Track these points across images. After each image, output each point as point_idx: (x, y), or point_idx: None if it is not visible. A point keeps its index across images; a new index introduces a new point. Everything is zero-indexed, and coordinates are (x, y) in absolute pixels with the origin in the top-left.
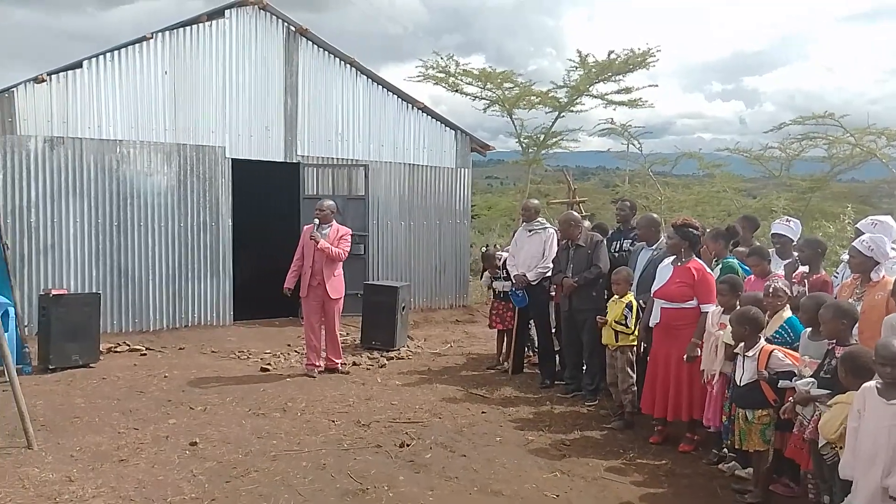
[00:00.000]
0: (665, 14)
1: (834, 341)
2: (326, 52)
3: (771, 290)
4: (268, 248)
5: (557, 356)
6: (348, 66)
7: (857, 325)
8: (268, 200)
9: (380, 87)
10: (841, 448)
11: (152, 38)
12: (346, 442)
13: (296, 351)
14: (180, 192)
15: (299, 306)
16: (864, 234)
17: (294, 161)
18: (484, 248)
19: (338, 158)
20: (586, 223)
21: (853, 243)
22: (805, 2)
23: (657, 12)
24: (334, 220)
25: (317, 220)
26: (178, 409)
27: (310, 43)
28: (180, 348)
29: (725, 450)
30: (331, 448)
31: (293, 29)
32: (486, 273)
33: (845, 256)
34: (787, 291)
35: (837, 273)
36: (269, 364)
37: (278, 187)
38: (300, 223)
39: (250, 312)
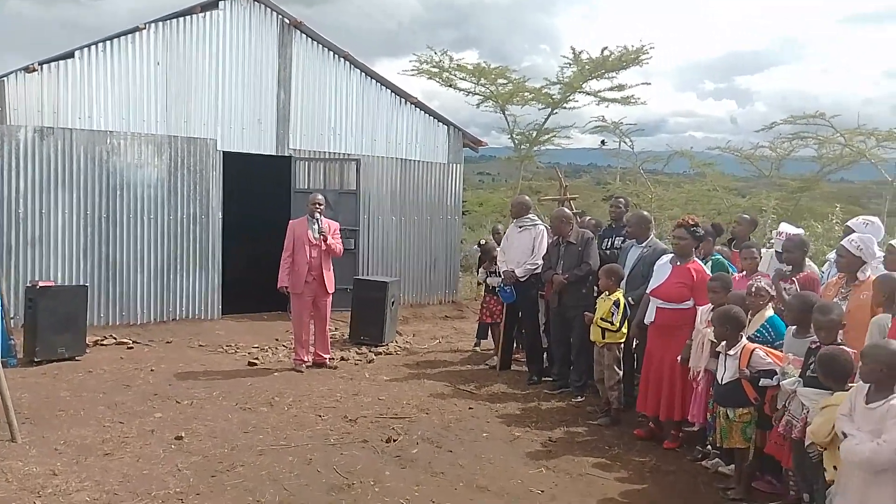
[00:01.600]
0: (660, 12)
1: (818, 340)
2: (320, 46)
3: (753, 289)
4: (257, 242)
5: (546, 353)
6: (342, 59)
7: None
8: (258, 194)
9: (374, 81)
10: (826, 450)
11: (145, 28)
12: (333, 437)
13: (284, 345)
14: (170, 184)
15: (288, 300)
16: (852, 233)
17: (286, 154)
18: (483, 241)
19: (330, 152)
20: (587, 219)
21: (842, 242)
22: (804, 3)
23: (652, 11)
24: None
25: (317, 215)
26: (164, 403)
27: (304, 36)
28: (168, 342)
29: (709, 447)
30: (317, 443)
31: (287, 22)
32: (482, 268)
33: (832, 256)
34: (770, 291)
35: (823, 272)
36: (256, 358)
37: (269, 180)
38: (291, 217)
39: (239, 306)
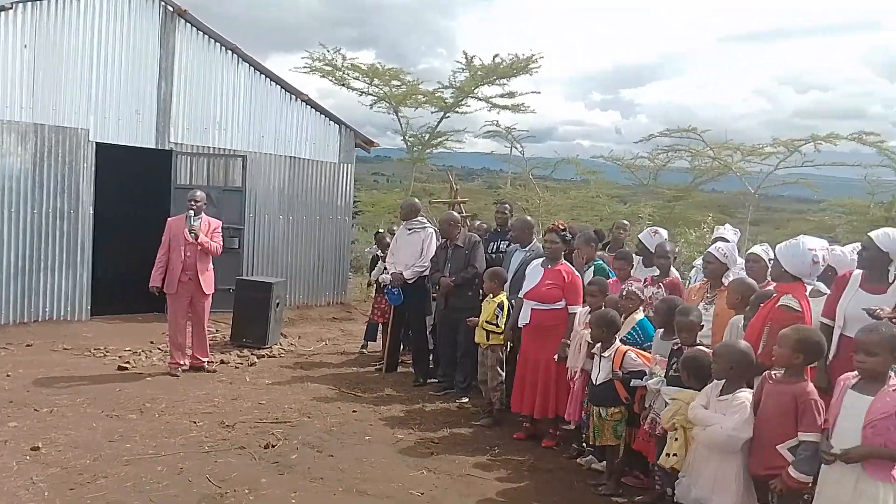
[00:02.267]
0: (554, 23)
1: (679, 342)
2: (206, 37)
3: (625, 292)
4: (134, 239)
5: (432, 354)
6: (230, 52)
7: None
8: (137, 189)
9: (263, 76)
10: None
11: (12, 8)
12: (208, 444)
13: (159, 348)
14: (35, 175)
15: (164, 301)
16: (719, 241)
17: (166, 148)
18: (380, 231)
19: (214, 148)
20: (479, 223)
21: (709, 249)
22: (687, 21)
23: (546, 21)
24: (203, 212)
25: (191, 213)
26: (20, 411)
27: (188, 25)
28: (28, 345)
29: (584, 444)
30: (190, 451)
31: (171, 9)
32: (380, 264)
33: (698, 262)
34: (640, 295)
35: (690, 277)
36: (128, 362)
37: (149, 175)
38: (171, 213)
39: (112, 307)
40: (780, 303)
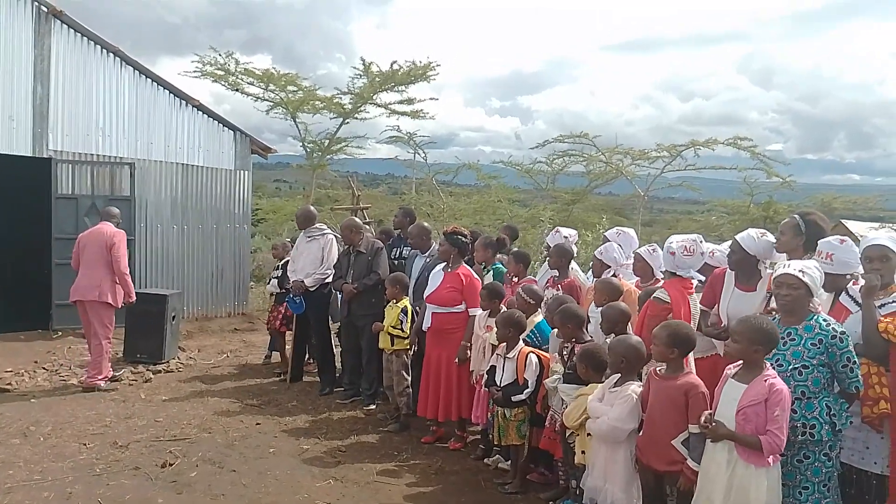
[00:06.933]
0: (450, 30)
1: (573, 340)
2: (85, 39)
3: (519, 294)
4: (13, 253)
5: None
6: (111, 54)
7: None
8: (12, 199)
9: (148, 80)
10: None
11: None
12: (99, 466)
13: (44, 368)
14: None
15: (49, 318)
16: (609, 241)
17: (45, 156)
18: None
19: (99, 155)
20: (380, 227)
21: (610, 252)
22: (571, 30)
23: (442, 28)
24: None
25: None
26: None
27: (65, 26)
28: None
29: (493, 445)
30: (80, 474)
31: (45, 9)
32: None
33: None
34: (535, 296)
35: (589, 278)
36: (9, 384)
37: (25, 185)
38: (52, 225)
39: None
40: (652, 296)
